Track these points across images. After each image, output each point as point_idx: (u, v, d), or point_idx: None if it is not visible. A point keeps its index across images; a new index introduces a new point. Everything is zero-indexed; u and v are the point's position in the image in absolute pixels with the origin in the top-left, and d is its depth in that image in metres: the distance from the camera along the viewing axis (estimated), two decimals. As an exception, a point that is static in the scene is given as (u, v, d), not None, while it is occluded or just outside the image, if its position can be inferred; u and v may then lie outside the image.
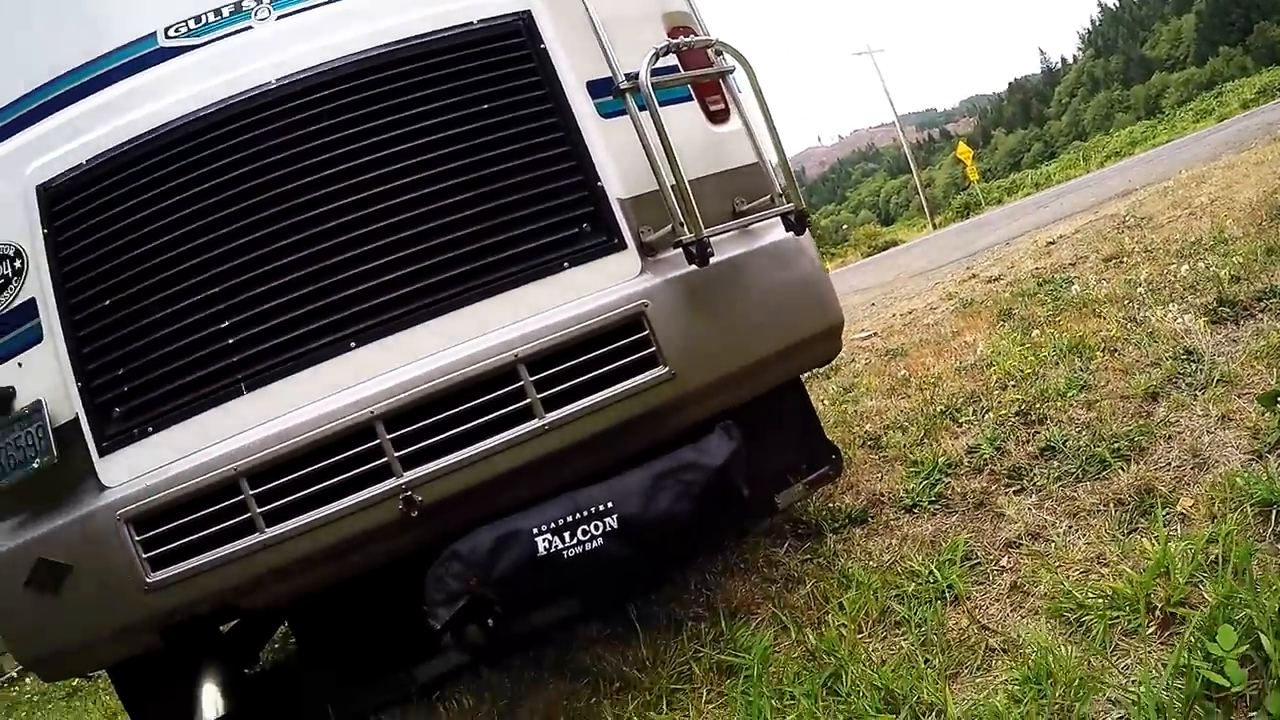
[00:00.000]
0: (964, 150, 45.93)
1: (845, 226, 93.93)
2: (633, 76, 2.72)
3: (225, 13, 2.84)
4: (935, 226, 44.29)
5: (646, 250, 2.87)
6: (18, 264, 2.74)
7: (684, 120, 3.04)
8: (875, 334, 7.72)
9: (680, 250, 2.72)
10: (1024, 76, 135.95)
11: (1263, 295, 4.33)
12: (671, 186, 2.69)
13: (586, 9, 2.86)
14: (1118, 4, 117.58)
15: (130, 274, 2.66)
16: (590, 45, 2.86)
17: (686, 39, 3.01)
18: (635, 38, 2.95)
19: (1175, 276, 5.24)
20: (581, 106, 2.90)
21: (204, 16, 2.84)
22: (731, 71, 3.14)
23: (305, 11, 2.86)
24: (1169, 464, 3.15)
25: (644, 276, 2.84)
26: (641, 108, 2.71)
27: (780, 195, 2.98)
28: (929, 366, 5.42)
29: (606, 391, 2.69)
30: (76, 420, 2.65)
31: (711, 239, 2.68)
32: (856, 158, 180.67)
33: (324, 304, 2.63)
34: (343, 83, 2.73)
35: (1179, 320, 4.36)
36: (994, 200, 47.05)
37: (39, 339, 2.72)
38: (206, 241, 2.64)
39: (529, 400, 2.63)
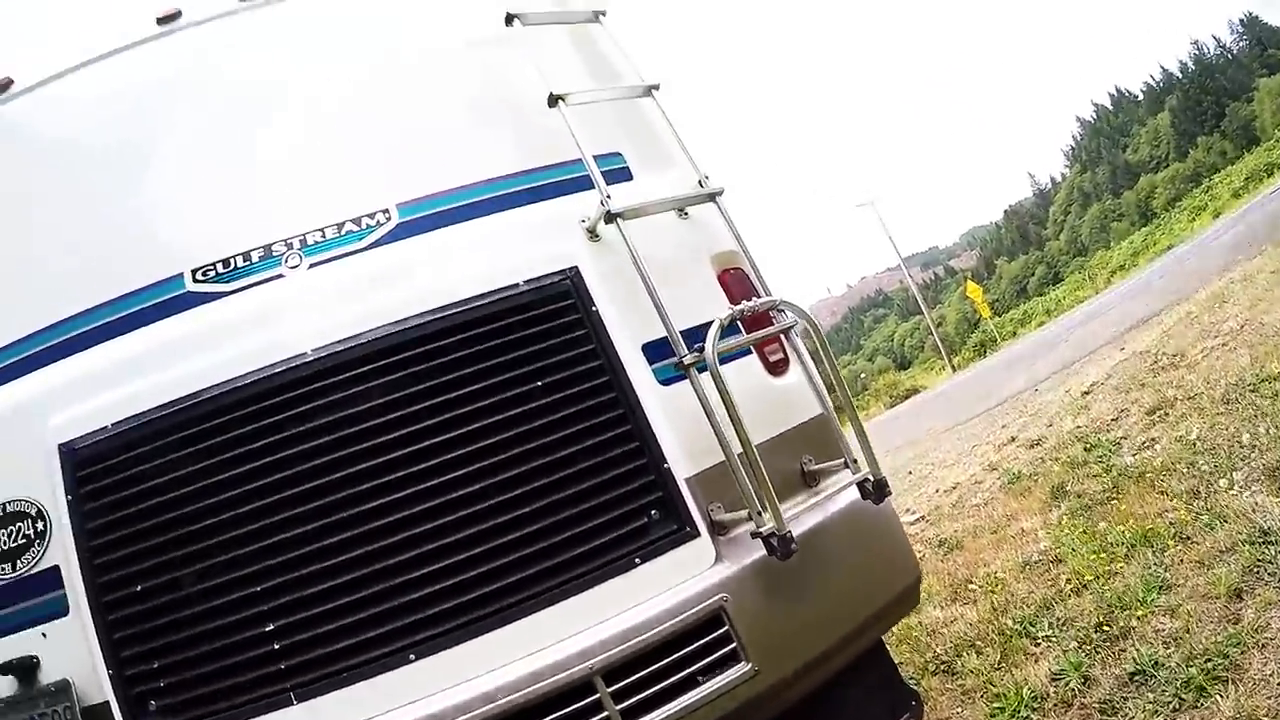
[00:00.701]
0: (973, 289, 46.71)
1: (864, 375, 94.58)
2: (697, 346, 2.57)
3: (255, 257, 2.75)
4: (954, 368, 44.59)
5: (718, 529, 2.69)
6: (40, 525, 2.51)
7: (745, 377, 2.86)
8: (924, 517, 7.55)
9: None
10: (1018, 202, 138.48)
11: (1329, 449, 4.18)
12: (740, 457, 2.51)
13: (636, 262, 2.72)
14: (1095, 116, 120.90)
15: (163, 558, 2.43)
16: (643, 300, 2.71)
17: (751, 304, 2.79)
18: (687, 283, 2.89)
19: (1229, 432, 5.14)
20: (639, 374, 2.75)
21: (233, 261, 2.74)
22: (793, 327, 2.96)
23: (338, 260, 2.78)
24: (1267, 682, 2.94)
25: (720, 566, 2.62)
26: (701, 369, 2.57)
27: (854, 460, 2.83)
28: (989, 562, 5.24)
29: (686, 698, 2.44)
30: (108, 706, 2.37)
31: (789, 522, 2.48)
32: (866, 304, 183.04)
33: (377, 611, 2.41)
34: (381, 358, 2.57)
35: (1247, 494, 4.19)
36: (1009, 333, 47.31)
37: (64, 611, 2.46)
38: (248, 532, 2.42)
39: (606, 714, 2.37)
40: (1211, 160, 73.56)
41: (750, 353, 2.99)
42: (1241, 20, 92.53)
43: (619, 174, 3.11)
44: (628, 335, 2.78)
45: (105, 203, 2.90)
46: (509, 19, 3.09)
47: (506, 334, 2.66)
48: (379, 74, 3.21)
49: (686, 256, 3.02)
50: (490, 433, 2.54)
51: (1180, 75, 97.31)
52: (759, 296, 3.00)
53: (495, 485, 2.51)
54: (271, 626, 2.38)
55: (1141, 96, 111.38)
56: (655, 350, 2.78)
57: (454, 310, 2.65)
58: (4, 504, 2.53)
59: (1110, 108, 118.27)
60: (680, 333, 2.63)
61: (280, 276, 2.72)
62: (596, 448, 2.62)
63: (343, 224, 2.82)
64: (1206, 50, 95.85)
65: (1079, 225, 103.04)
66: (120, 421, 2.49)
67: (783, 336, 3.02)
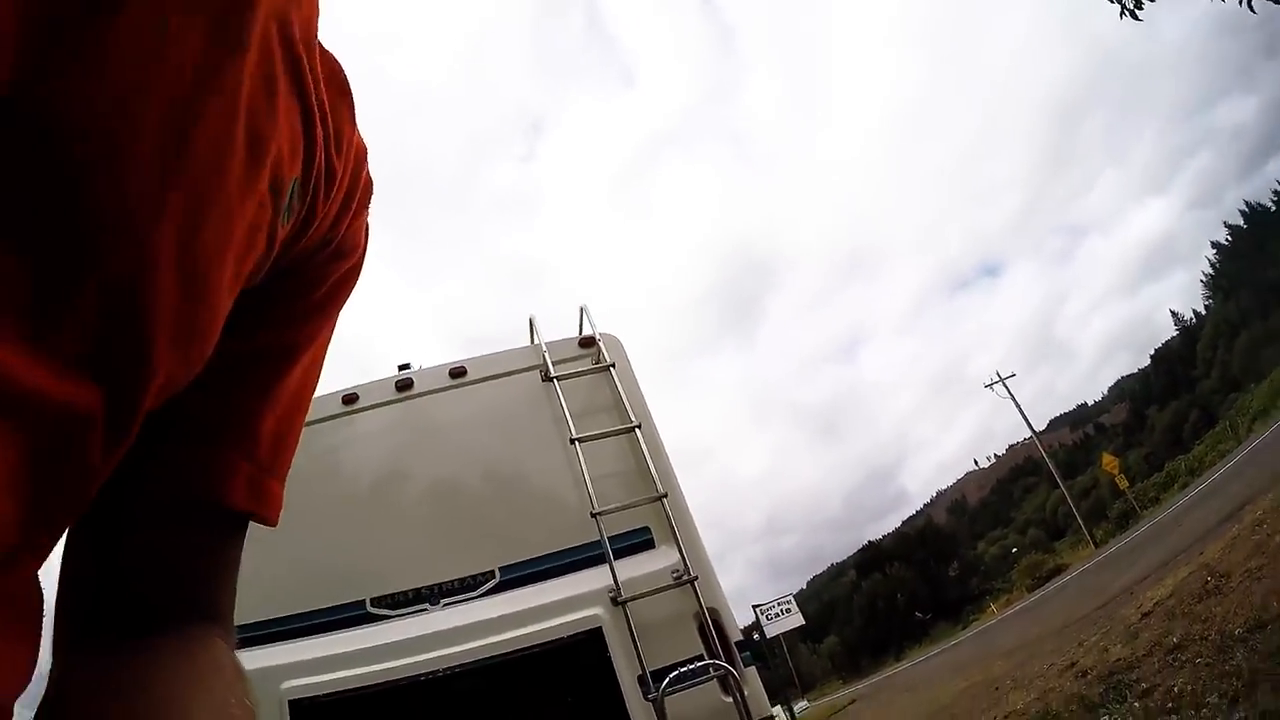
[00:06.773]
0: (1109, 461, 46.15)
1: (1015, 550, 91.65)
2: (661, 684, 4.24)
3: (410, 595, 4.59)
4: (1096, 544, 43.82)
5: None
6: None
7: (707, 694, 4.39)
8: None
9: None
10: (1163, 343, 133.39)
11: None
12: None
13: (630, 630, 4.40)
14: (1229, 238, 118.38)
15: None
16: (643, 649, 4.35)
17: (700, 664, 4.42)
18: (677, 631, 4.53)
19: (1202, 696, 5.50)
20: (632, 696, 4.32)
21: (397, 597, 4.56)
22: (721, 675, 4.44)
23: (461, 603, 4.59)
24: None
25: None
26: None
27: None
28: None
29: None
30: None
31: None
32: (1016, 474, 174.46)
33: None
34: (482, 677, 4.30)
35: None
36: (1151, 499, 46.05)
37: None
38: None
39: None
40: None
41: (713, 678, 4.48)
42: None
43: (646, 544, 4.94)
44: (629, 670, 4.39)
45: (322, 536, 4.69)
46: (572, 440, 5.00)
47: (555, 667, 4.39)
48: (494, 473, 5.18)
49: (676, 615, 4.63)
50: None
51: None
52: (721, 641, 4.58)
53: None
54: None
55: (1274, 206, 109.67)
56: (643, 681, 4.34)
57: (526, 651, 4.37)
58: None
59: (1244, 225, 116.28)
60: (671, 665, 4.34)
61: (425, 610, 4.57)
62: None
63: (464, 578, 4.69)
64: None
65: (1229, 359, 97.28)
66: (330, 694, 4.18)
67: (730, 670, 4.49)
